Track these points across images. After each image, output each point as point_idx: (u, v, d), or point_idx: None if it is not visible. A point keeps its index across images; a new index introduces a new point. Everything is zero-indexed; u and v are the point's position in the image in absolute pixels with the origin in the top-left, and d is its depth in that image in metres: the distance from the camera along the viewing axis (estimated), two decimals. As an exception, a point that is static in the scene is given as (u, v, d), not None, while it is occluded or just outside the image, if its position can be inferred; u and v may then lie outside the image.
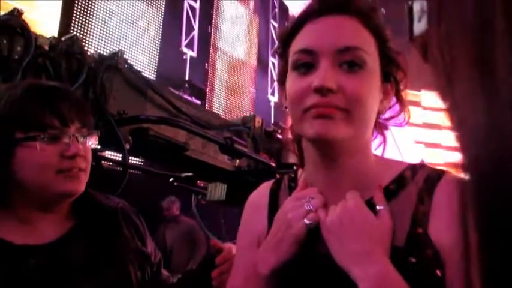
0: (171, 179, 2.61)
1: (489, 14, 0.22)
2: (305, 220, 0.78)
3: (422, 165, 0.83)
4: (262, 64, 8.97)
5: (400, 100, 0.87)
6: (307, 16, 0.80)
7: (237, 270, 0.92)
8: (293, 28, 0.81)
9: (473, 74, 0.23)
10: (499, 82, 0.21)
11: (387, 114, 0.89)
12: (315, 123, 0.73)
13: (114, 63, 1.59)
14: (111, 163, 1.85)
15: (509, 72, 0.21)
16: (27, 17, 1.42)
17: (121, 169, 1.55)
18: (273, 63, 9.30)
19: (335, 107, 0.73)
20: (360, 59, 0.75)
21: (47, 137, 0.92)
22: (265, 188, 0.98)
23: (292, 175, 0.95)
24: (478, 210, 0.23)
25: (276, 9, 9.60)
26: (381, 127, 0.89)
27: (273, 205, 0.91)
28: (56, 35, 1.50)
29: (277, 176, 1.07)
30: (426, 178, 0.79)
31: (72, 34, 1.52)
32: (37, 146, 0.91)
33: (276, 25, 9.54)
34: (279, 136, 3.17)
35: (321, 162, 0.81)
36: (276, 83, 9.21)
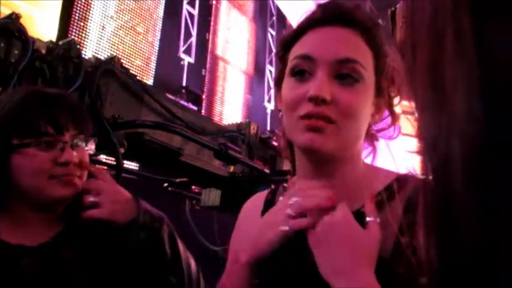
0: (165, 184, 2.61)
1: (441, 31, 0.23)
2: (281, 227, 0.77)
3: (412, 175, 0.84)
4: (259, 71, 9.01)
5: (392, 114, 0.89)
6: (310, 23, 0.81)
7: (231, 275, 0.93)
8: (295, 33, 0.82)
9: (427, 84, 0.24)
10: (447, 97, 0.23)
11: (379, 126, 0.90)
12: (306, 134, 0.74)
13: (111, 68, 1.60)
14: (105, 167, 1.85)
15: (454, 89, 0.22)
16: (31, 16, 1.43)
17: (115, 173, 1.56)
18: (270, 71, 9.34)
19: (326, 119, 0.74)
20: (357, 73, 0.76)
21: (40, 144, 0.94)
22: (260, 196, 0.99)
23: (286, 184, 0.95)
24: (427, 212, 0.25)
25: (274, 18, 9.66)
26: (371, 138, 0.90)
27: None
28: (55, 38, 1.52)
29: (272, 184, 1.06)
30: (414, 187, 0.80)
31: (70, 38, 1.53)
32: (30, 153, 0.93)
33: (273, 33, 9.59)
34: (274, 143, 3.19)
35: (310, 170, 0.82)
36: (272, 90, 9.25)
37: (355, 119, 0.77)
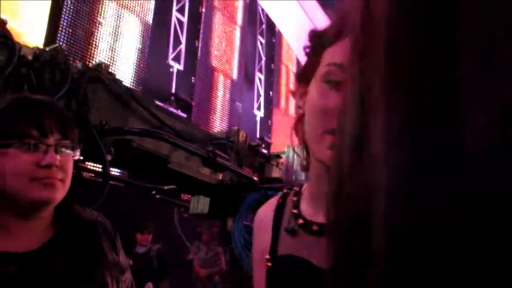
0: (153, 192, 2.60)
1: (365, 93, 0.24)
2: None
3: None
4: (248, 79, 9.04)
5: None
6: (344, 28, 0.75)
7: (254, 283, 0.94)
8: (332, 34, 0.75)
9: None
10: (374, 155, 0.23)
11: None
12: (329, 152, 0.70)
13: (98, 75, 1.59)
14: (92, 174, 1.84)
15: (384, 148, 0.22)
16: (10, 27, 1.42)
17: (101, 180, 1.54)
18: (260, 78, 9.37)
19: None
20: None
21: (22, 145, 0.93)
22: (272, 203, 0.97)
23: (297, 189, 0.93)
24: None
25: (264, 26, 9.73)
26: None
27: (277, 220, 0.90)
28: (41, 45, 1.51)
29: (284, 189, 1.04)
30: None
31: (57, 45, 1.52)
32: (13, 154, 0.92)
33: (263, 41, 9.65)
34: (264, 151, 3.19)
35: (325, 176, 0.80)
36: (261, 98, 9.29)
37: None
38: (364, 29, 0.26)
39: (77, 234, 1.05)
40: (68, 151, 1.02)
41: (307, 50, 0.81)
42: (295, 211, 0.83)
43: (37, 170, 0.95)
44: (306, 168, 0.87)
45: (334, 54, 0.74)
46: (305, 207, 0.82)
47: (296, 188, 0.92)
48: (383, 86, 0.23)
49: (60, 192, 1.00)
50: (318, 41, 0.79)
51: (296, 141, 0.90)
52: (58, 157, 0.97)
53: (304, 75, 0.81)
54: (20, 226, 0.98)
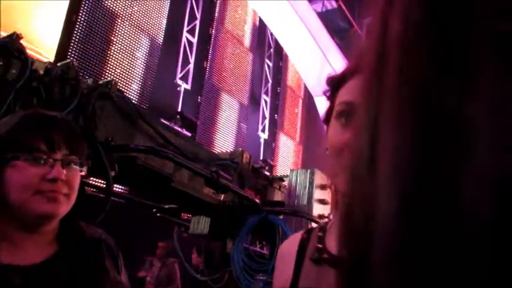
0: (154, 210, 2.59)
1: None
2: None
3: None
4: (254, 101, 9.11)
5: None
6: (356, 68, 0.80)
7: None
8: (342, 76, 0.82)
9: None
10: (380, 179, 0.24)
11: None
12: None
13: (107, 91, 1.62)
14: (94, 189, 1.84)
15: (392, 175, 0.23)
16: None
17: (104, 196, 1.55)
18: (265, 101, 9.44)
19: None
20: None
21: (30, 158, 0.95)
22: (295, 237, 0.98)
23: (323, 224, 0.95)
24: None
25: (272, 49, 9.86)
26: None
27: (301, 254, 0.91)
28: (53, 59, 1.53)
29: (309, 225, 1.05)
30: None
31: (68, 60, 1.55)
32: (20, 166, 0.94)
33: (270, 64, 9.76)
34: (267, 173, 3.19)
35: None
36: (266, 120, 9.33)
37: None
38: (378, 60, 0.26)
39: (81, 251, 1.05)
40: (75, 167, 1.03)
41: (327, 94, 0.86)
42: (320, 246, 0.84)
43: (42, 183, 0.96)
44: (336, 207, 0.89)
45: (345, 93, 0.80)
46: (331, 242, 0.83)
47: (322, 224, 0.94)
48: (392, 114, 0.24)
49: (64, 207, 1.00)
50: (333, 84, 0.85)
51: (299, 165, 0.93)
52: (64, 172, 0.98)
53: (326, 117, 0.86)
54: (24, 239, 0.99)
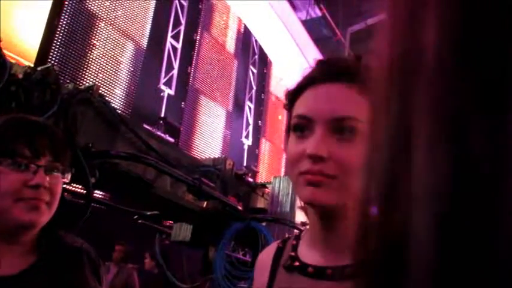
0: (136, 216, 2.56)
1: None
2: None
3: None
4: (238, 107, 9.11)
5: None
6: (308, 81, 0.84)
7: None
8: (297, 89, 0.85)
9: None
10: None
11: None
12: (306, 189, 0.77)
13: (88, 97, 1.59)
14: (73, 196, 1.81)
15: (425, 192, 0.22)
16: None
17: (84, 202, 1.52)
18: (249, 107, 9.45)
19: (325, 175, 0.77)
20: (353, 128, 0.79)
21: (13, 163, 0.93)
22: (273, 246, 1.01)
23: (297, 233, 0.98)
24: None
25: (256, 56, 9.89)
26: None
27: (276, 261, 0.93)
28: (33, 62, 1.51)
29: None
30: None
31: (49, 65, 1.53)
32: (2, 171, 0.92)
33: (254, 71, 9.79)
34: (250, 179, 3.18)
35: (317, 223, 0.85)
36: (250, 126, 9.34)
37: (353, 172, 0.79)
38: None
39: (60, 261, 1.03)
40: (58, 174, 1.01)
41: (287, 107, 0.90)
42: (292, 254, 0.86)
43: (24, 190, 0.94)
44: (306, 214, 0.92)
45: (297, 107, 0.85)
46: (303, 251, 0.86)
47: (296, 232, 0.97)
48: (426, 124, 0.23)
49: (46, 216, 0.98)
50: (289, 97, 0.89)
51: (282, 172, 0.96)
52: (47, 178, 0.96)
53: (287, 128, 0.90)
54: (4, 250, 0.96)
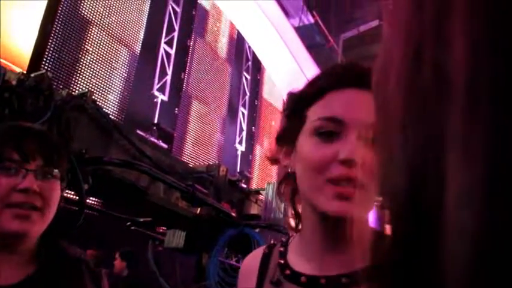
0: (128, 223, 2.55)
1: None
2: None
3: None
4: (232, 113, 9.12)
5: None
6: (331, 84, 0.80)
7: None
8: (315, 92, 0.81)
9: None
10: None
11: None
12: (335, 202, 0.73)
13: (82, 103, 1.59)
14: (66, 202, 1.80)
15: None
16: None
17: (77, 209, 1.52)
18: (243, 113, 9.47)
19: (356, 184, 0.72)
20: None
21: (1, 168, 0.91)
22: (257, 252, 0.96)
23: (284, 240, 0.93)
24: None
25: (249, 62, 9.92)
26: None
27: (263, 269, 0.89)
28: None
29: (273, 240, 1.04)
30: None
31: (43, 71, 1.52)
32: None
33: (248, 77, 9.82)
34: (243, 185, 3.18)
35: (320, 229, 0.80)
36: (244, 132, 9.34)
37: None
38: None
39: (60, 271, 1.01)
40: (52, 180, 0.98)
41: (287, 112, 0.85)
42: (281, 261, 0.82)
43: (13, 195, 0.91)
44: (296, 227, 0.87)
45: (321, 110, 0.79)
46: (293, 258, 0.82)
47: (284, 239, 0.93)
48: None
49: (38, 225, 0.95)
50: (299, 102, 0.84)
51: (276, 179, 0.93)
52: (38, 183, 0.94)
53: (286, 136, 0.85)
54: (3, 260, 0.94)
